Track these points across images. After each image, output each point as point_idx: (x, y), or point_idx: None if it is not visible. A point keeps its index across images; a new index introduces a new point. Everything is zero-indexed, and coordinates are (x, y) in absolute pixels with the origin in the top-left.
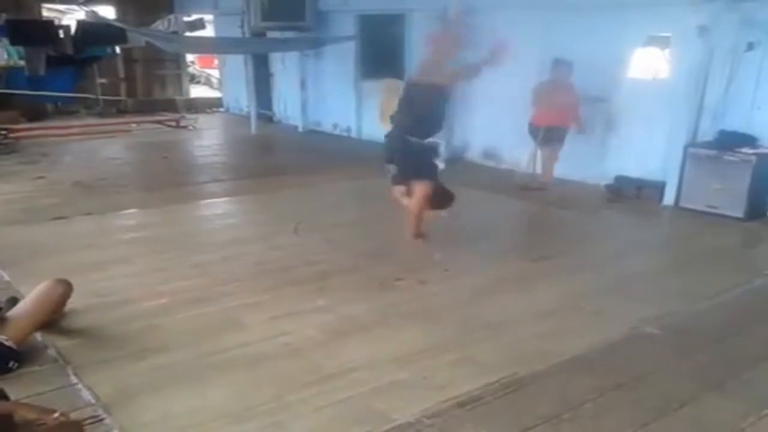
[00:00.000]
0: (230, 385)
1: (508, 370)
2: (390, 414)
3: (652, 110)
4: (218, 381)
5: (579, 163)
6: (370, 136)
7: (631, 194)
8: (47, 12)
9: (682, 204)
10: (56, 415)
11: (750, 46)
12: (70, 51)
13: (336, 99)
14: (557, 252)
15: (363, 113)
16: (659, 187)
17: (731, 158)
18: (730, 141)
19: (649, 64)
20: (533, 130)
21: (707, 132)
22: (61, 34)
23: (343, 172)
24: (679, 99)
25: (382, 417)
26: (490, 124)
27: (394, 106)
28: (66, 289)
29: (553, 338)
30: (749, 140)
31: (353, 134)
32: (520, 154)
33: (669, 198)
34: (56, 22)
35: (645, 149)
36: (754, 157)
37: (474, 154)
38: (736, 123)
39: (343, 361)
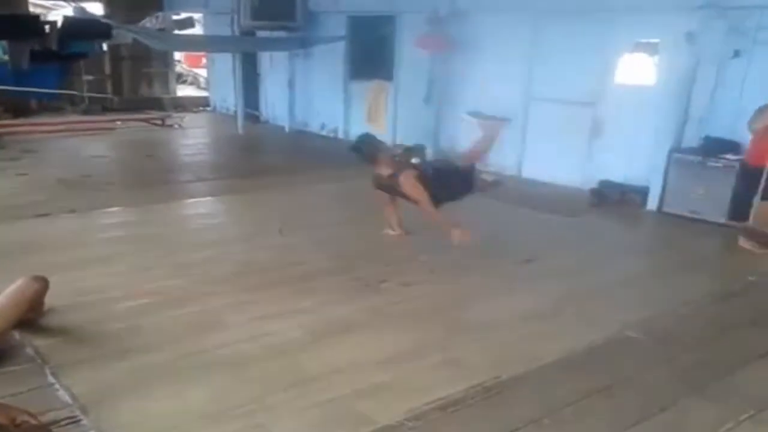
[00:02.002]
0: (211, 385)
1: (491, 373)
2: (373, 416)
3: (637, 115)
4: (199, 382)
5: (563, 167)
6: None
7: (614, 199)
8: (33, 7)
9: (665, 209)
10: (25, 417)
11: (736, 53)
12: (54, 46)
13: (324, 100)
14: (541, 255)
15: (351, 114)
16: (643, 192)
17: (715, 164)
18: (715, 147)
19: (636, 69)
20: (751, 172)
21: (692, 138)
22: (47, 29)
23: (330, 173)
24: (665, 105)
25: (364, 419)
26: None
27: (381, 107)
28: (42, 286)
29: (536, 341)
30: (733, 146)
31: (340, 135)
32: (506, 158)
33: (652, 203)
34: (42, 17)
35: (629, 154)
36: (737, 164)
37: (461, 157)
38: (720, 129)
39: (326, 363)
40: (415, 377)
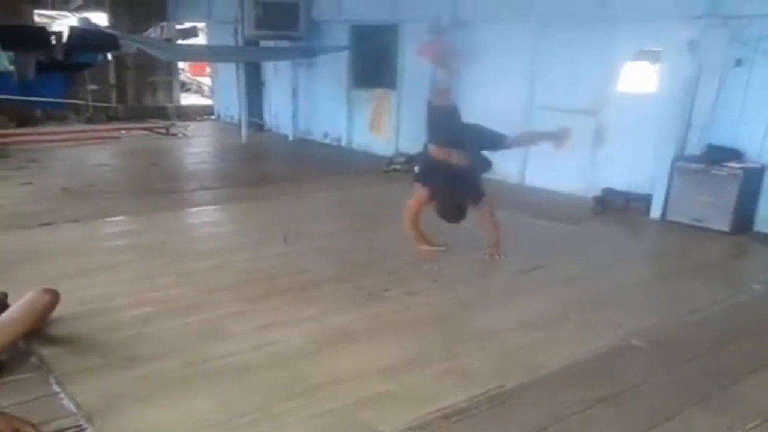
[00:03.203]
0: (216, 394)
1: (495, 382)
2: (376, 425)
3: (640, 124)
4: (204, 390)
5: (567, 175)
6: (361, 145)
7: (618, 207)
8: (39, 18)
9: (669, 217)
10: (28, 428)
11: (738, 62)
12: (60, 57)
13: (327, 108)
14: (545, 263)
15: (354, 123)
16: (646, 200)
17: (718, 172)
18: (718, 155)
19: (638, 77)
20: None
21: (695, 146)
22: (53, 40)
23: (333, 181)
24: (668, 113)
25: (368, 428)
26: None
27: (384, 115)
28: (53, 298)
29: (540, 350)
30: (736, 154)
31: (344, 144)
32: (509, 165)
33: (656, 211)
34: (48, 28)
35: (632, 162)
36: (740, 172)
37: None
38: (723, 137)
39: (330, 372)
40: (419, 386)
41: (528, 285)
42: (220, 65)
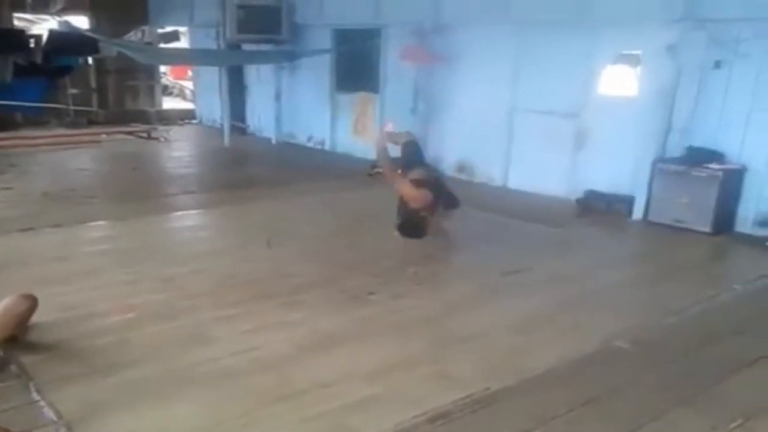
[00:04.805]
0: (199, 400)
1: (481, 385)
2: (362, 429)
3: (621, 126)
4: (187, 397)
5: (549, 178)
6: (344, 149)
7: (600, 209)
8: (18, 21)
9: (651, 218)
10: None
11: (717, 64)
12: (39, 60)
13: (310, 112)
14: (529, 266)
15: (337, 126)
16: (628, 202)
17: (699, 174)
18: (698, 157)
19: (619, 80)
20: None
21: (676, 148)
22: (32, 43)
23: (317, 184)
24: (648, 115)
25: None
26: (463, 138)
27: (367, 119)
28: (31, 304)
29: (525, 352)
30: (716, 156)
31: (327, 147)
32: (492, 168)
33: (638, 212)
34: (27, 31)
35: (614, 164)
36: (720, 173)
37: (447, 167)
38: (703, 139)
39: (315, 376)
40: (405, 390)
41: (513, 287)
42: (203, 69)
